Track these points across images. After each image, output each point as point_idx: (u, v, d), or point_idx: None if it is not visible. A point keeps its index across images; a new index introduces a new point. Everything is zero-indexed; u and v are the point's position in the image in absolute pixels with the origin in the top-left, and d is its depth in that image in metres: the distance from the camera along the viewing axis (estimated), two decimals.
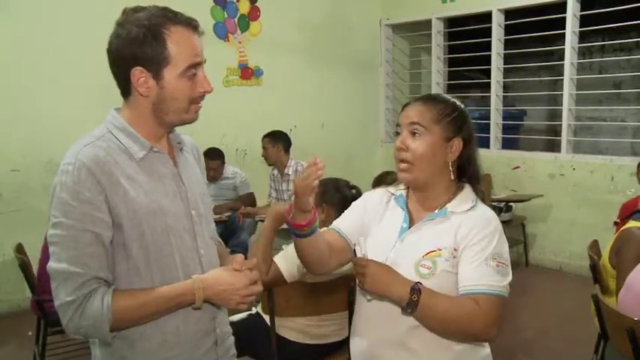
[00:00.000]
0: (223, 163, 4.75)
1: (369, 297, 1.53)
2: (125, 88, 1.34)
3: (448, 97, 1.60)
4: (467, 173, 1.58)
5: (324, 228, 1.67)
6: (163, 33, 1.28)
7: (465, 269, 1.46)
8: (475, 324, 1.43)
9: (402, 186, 1.64)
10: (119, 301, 1.25)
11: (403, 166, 1.52)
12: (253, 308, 2.59)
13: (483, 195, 1.59)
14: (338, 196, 2.48)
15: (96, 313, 1.23)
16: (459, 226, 1.49)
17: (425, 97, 1.58)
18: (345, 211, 1.71)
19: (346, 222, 1.66)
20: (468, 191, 1.56)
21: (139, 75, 1.29)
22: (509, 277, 1.47)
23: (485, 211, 1.54)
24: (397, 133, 1.55)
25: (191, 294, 1.31)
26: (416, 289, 1.41)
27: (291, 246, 2.40)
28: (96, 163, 1.26)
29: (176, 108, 1.33)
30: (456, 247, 1.48)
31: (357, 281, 1.53)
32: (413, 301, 1.41)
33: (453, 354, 1.50)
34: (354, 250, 1.56)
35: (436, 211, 1.54)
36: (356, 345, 1.63)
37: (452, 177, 1.54)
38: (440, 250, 1.48)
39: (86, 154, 1.27)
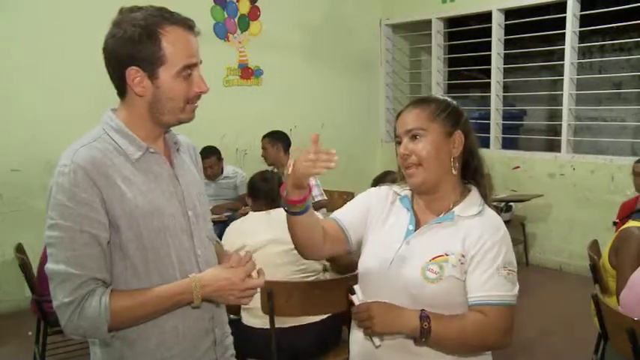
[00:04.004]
0: (220, 159, 4.76)
1: (378, 342, 1.48)
2: (121, 87, 1.34)
3: (438, 96, 1.61)
4: (471, 168, 1.57)
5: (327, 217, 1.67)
6: (159, 33, 1.28)
7: (476, 279, 1.45)
8: (489, 338, 1.44)
9: (406, 186, 1.62)
10: (117, 302, 1.25)
11: (411, 170, 1.50)
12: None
13: (485, 190, 1.57)
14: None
15: (94, 314, 1.23)
16: (468, 232, 1.48)
17: (416, 101, 1.58)
18: (348, 203, 1.69)
19: (348, 214, 1.64)
20: (474, 195, 1.55)
21: (134, 75, 1.29)
22: (517, 283, 1.48)
23: (492, 217, 1.53)
24: (398, 143, 1.54)
25: (189, 293, 1.31)
26: (424, 316, 1.41)
27: None
28: (92, 165, 1.26)
29: (172, 108, 1.33)
30: (464, 254, 1.46)
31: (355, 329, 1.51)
32: (425, 328, 1.40)
33: (456, 356, 1.50)
34: (350, 292, 1.52)
35: (443, 214, 1.53)
36: (356, 346, 1.62)
37: (454, 172, 1.52)
38: (447, 255, 1.47)
39: (82, 155, 1.27)
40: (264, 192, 2.70)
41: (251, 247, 2.49)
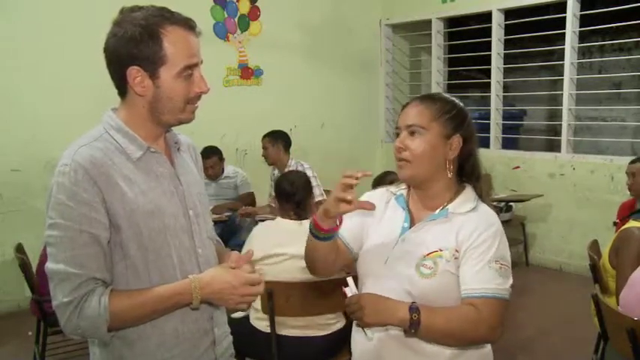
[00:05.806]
0: (221, 159, 4.75)
1: (369, 335, 1.50)
2: (122, 87, 1.34)
3: (447, 96, 1.60)
4: (466, 171, 1.57)
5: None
6: (160, 33, 1.28)
7: (467, 272, 1.45)
8: (478, 330, 1.43)
9: (402, 186, 1.63)
10: (116, 302, 1.25)
11: (402, 163, 1.52)
12: (240, 313, 2.56)
13: (481, 192, 1.58)
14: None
15: (93, 314, 1.23)
16: (461, 227, 1.49)
17: (423, 97, 1.58)
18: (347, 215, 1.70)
19: (346, 226, 1.63)
20: (469, 192, 1.56)
21: (135, 74, 1.29)
22: (511, 279, 1.47)
23: (487, 212, 1.53)
24: (397, 135, 1.55)
25: (188, 294, 1.30)
26: (414, 307, 1.41)
27: None
28: (92, 164, 1.26)
29: (172, 108, 1.33)
30: (457, 248, 1.47)
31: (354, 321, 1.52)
32: (414, 320, 1.40)
33: (456, 351, 1.50)
34: (345, 282, 1.52)
35: (437, 211, 1.54)
36: (357, 344, 1.62)
37: (449, 175, 1.53)
38: (441, 250, 1.48)
39: (83, 155, 1.27)
40: (285, 195, 2.63)
41: (279, 258, 2.46)
